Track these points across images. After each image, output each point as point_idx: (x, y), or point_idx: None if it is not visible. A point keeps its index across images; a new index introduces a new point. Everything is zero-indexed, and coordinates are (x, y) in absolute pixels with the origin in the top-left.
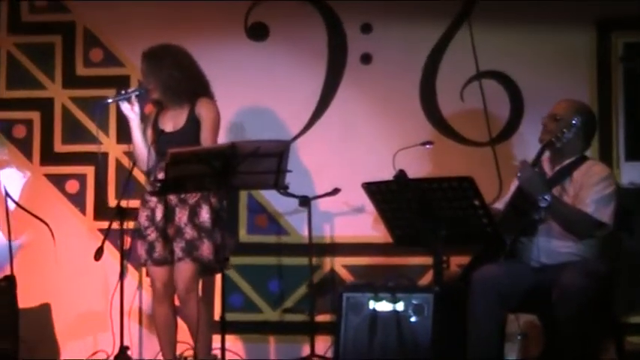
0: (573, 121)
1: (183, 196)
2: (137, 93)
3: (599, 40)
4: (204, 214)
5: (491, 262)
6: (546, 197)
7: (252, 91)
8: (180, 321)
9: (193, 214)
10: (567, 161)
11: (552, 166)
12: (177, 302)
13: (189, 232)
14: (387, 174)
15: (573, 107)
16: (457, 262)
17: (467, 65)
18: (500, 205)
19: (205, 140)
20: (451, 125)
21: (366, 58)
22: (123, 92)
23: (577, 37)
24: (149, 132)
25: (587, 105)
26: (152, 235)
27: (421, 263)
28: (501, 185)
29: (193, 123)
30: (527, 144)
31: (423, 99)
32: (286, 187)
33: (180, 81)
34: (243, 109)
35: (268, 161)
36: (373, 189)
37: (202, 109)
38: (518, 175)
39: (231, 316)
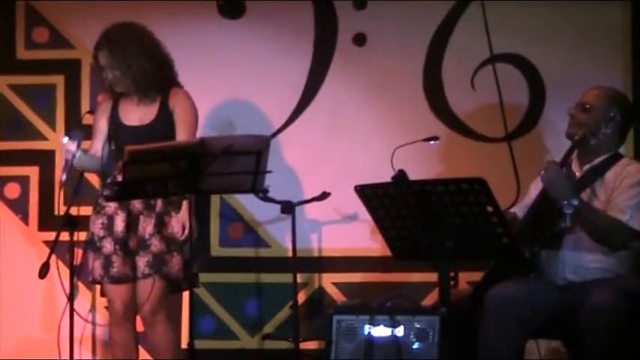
0: (611, 114)
1: (151, 202)
2: (77, 141)
3: (635, 17)
4: (174, 224)
5: (507, 279)
6: (573, 202)
7: (226, 78)
8: (141, 349)
9: (161, 223)
10: (598, 159)
11: (580, 165)
12: (139, 327)
13: (157, 245)
14: (384, 175)
15: (607, 95)
16: (467, 278)
17: (479, 47)
18: (518, 211)
19: (182, 138)
20: (460, 118)
21: (359, 39)
22: (70, 157)
23: (608, 14)
24: (102, 124)
25: (622, 93)
26: (109, 247)
27: (425, 280)
28: (519, 188)
29: (166, 116)
30: (549, 139)
31: (426, 87)
32: (266, 191)
33: (151, 73)
34: (216, 100)
35: (244, 160)
36: (368, 193)
37: (177, 101)
38: (542, 174)
39: (201, 344)
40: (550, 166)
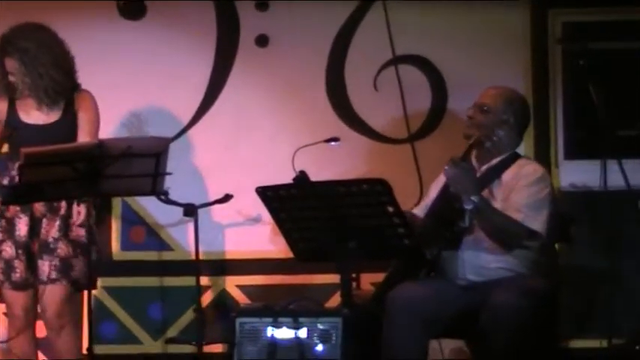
0: (507, 115)
1: (54, 204)
2: None
3: (535, 20)
4: (79, 227)
5: (409, 280)
6: (474, 198)
7: (132, 78)
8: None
9: (66, 226)
10: (496, 160)
11: (479, 166)
12: (40, 333)
13: (63, 249)
14: (288, 177)
15: (503, 96)
16: (370, 280)
17: (381, 49)
18: (418, 212)
19: (85, 140)
20: (363, 119)
21: (262, 40)
22: None
23: (509, 16)
24: None
25: (518, 92)
26: (9, 251)
27: (328, 282)
28: (422, 189)
29: (70, 118)
30: (452, 140)
31: (329, 88)
32: (166, 193)
33: (61, 82)
34: (125, 101)
35: (144, 162)
36: (269, 194)
37: (82, 104)
38: (446, 168)
39: (102, 349)
40: (453, 161)
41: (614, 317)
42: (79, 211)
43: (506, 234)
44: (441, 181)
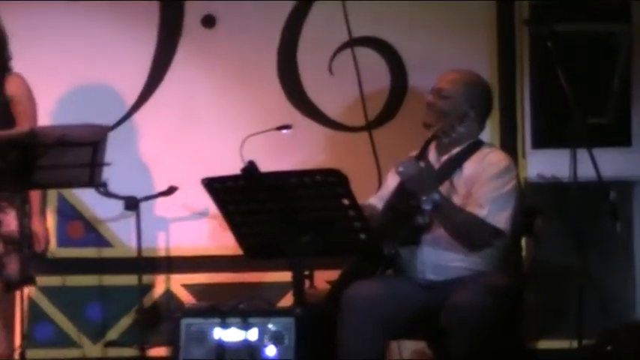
0: (469, 102)
1: None
2: None
3: (500, 1)
4: (11, 222)
5: (366, 277)
6: (434, 197)
7: (67, 62)
8: None
9: None
10: (457, 149)
11: (439, 156)
12: None
13: None
14: (235, 167)
15: (463, 80)
16: (325, 277)
17: (336, 30)
18: (376, 202)
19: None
20: (317, 105)
21: (208, 21)
22: None
23: None
24: None
25: (479, 76)
26: None
27: (280, 280)
28: (380, 180)
29: (3, 103)
30: (412, 128)
31: (281, 72)
32: (104, 185)
33: None
34: (65, 85)
35: (80, 152)
36: (216, 186)
37: (16, 89)
38: (400, 169)
39: (36, 353)
40: (407, 162)
41: (584, 316)
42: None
43: (468, 233)
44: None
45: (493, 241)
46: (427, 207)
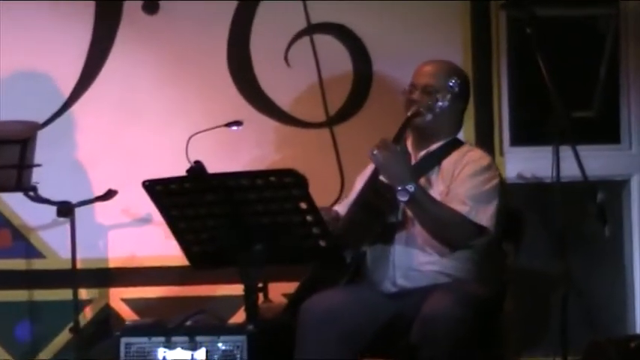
0: (450, 83)
1: None
2: None
3: None
4: None
5: (327, 288)
6: (409, 187)
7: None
8: None
9: None
10: (435, 145)
11: (416, 152)
12: None
13: None
14: (180, 168)
15: (445, 71)
16: (281, 290)
17: (293, 16)
18: (342, 209)
19: None
20: (272, 99)
21: (150, 7)
22: None
23: None
24: None
25: (458, 67)
26: None
27: (232, 294)
28: (343, 181)
29: None
30: (377, 125)
31: (232, 63)
32: (34, 189)
33: None
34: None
35: (6, 151)
36: (159, 189)
37: None
38: (374, 152)
39: None
40: (383, 144)
41: (569, 328)
42: None
43: (449, 229)
44: (368, 171)
45: (476, 239)
46: (402, 198)
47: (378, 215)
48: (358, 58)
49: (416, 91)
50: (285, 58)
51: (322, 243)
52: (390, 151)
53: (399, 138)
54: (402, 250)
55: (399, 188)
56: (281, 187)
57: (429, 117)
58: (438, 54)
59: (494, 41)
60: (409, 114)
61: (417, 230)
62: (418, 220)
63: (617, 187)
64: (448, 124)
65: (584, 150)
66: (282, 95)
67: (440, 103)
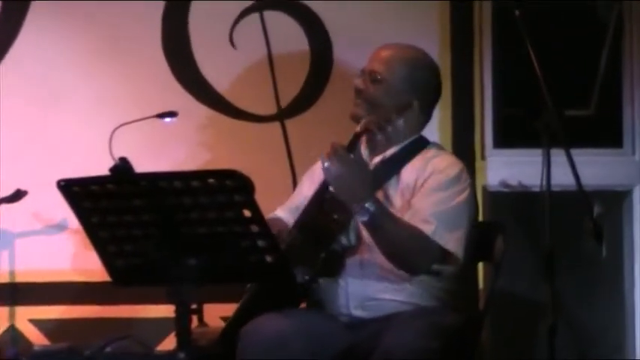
0: (404, 89)
1: None
2: None
3: None
4: None
5: (272, 311)
6: (369, 206)
7: None
8: None
9: None
10: (393, 150)
11: (370, 156)
12: None
13: None
14: (102, 166)
15: (402, 59)
16: (219, 312)
17: None
18: (285, 215)
19: None
20: (215, 88)
21: None
22: None
23: None
24: None
25: (422, 52)
26: None
27: (160, 316)
28: (295, 183)
29: None
30: (336, 120)
31: (167, 44)
32: None
33: None
34: None
35: None
36: (76, 190)
37: None
38: (326, 165)
39: None
40: (335, 152)
41: None
42: None
43: (410, 254)
44: (317, 172)
45: (441, 266)
46: (362, 219)
47: (324, 238)
48: (316, 41)
49: (362, 78)
50: (230, 39)
51: (269, 258)
52: (344, 161)
53: (352, 148)
54: (356, 277)
55: (356, 207)
56: (221, 191)
57: (379, 137)
58: (410, 40)
59: (476, 27)
60: (357, 130)
61: (375, 254)
62: (375, 241)
63: (617, 199)
64: (409, 124)
65: (580, 154)
66: (225, 82)
67: (394, 123)
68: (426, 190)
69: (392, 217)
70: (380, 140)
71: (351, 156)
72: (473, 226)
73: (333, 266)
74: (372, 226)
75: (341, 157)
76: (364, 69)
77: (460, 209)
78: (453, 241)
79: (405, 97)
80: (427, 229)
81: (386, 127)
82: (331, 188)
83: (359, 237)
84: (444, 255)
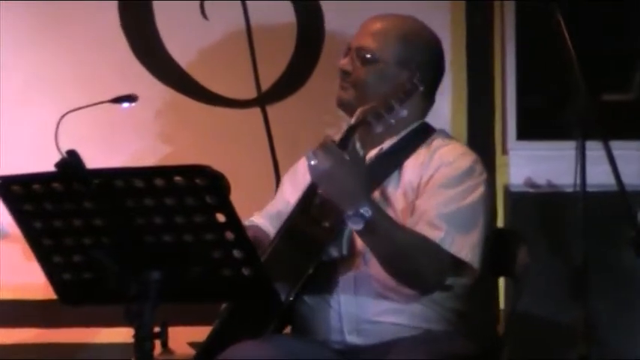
0: (408, 67)
1: None
2: None
3: None
4: None
5: (251, 337)
6: (363, 212)
7: None
8: None
9: None
10: (393, 140)
11: (364, 149)
12: None
13: None
14: (47, 161)
15: (396, 32)
16: (187, 336)
17: None
18: (264, 221)
19: None
20: (184, 68)
21: None
22: None
23: None
24: None
25: (420, 23)
26: None
27: (117, 341)
28: (278, 180)
29: None
30: (324, 105)
31: (125, 15)
32: None
33: None
34: None
35: None
36: (15, 190)
37: None
38: (313, 163)
39: None
40: (327, 147)
41: None
42: None
43: (416, 266)
44: (301, 173)
45: (454, 279)
46: (355, 227)
47: (312, 249)
48: (305, 14)
49: (350, 57)
50: (202, 8)
51: (246, 272)
52: (335, 159)
53: (344, 144)
54: (350, 296)
55: (349, 213)
56: (190, 191)
57: (378, 129)
58: (416, 14)
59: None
60: (352, 122)
61: (372, 268)
62: (374, 252)
63: None
64: (411, 110)
65: (620, 148)
66: (195, 61)
67: (395, 112)
68: (433, 188)
69: (392, 224)
70: (377, 131)
71: (344, 153)
72: (489, 232)
73: (323, 283)
74: (368, 235)
75: (331, 153)
76: (351, 45)
77: (474, 209)
78: (466, 248)
79: (402, 79)
80: (435, 235)
81: (387, 118)
82: (320, 190)
83: (352, 248)
84: (457, 265)
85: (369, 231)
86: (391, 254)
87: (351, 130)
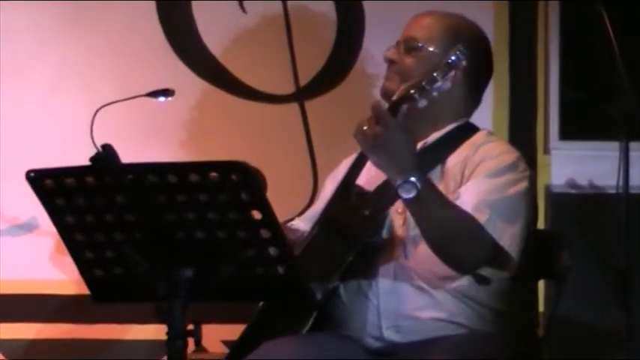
0: (454, 57)
1: None
2: None
3: None
4: None
5: (285, 335)
6: (415, 180)
7: None
8: None
9: None
10: (437, 135)
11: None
12: None
13: None
14: (82, 154)
15: (447, 26)
16: (221, 334)
17: None
18: (304, 225)
19: None
20: (222, 63)
21: None
22: None
23: None
24: None
25: (470, 21)
26: None
27: (149, 338)
28: (316, 177)
29: None
30: (366, 101)
31: (162, 9)
32: None
33: None
34: None
35: None
36: (48, 184)
37: None
38: (364, 128)
39: None
40: (378, 115)
41: None
42: None
43: (461, 243)
44: (342, 173)
45: (493, 269)
46: (406, 195)
47: (351, 237)
48: (346, 11)
49: (397, 48)
50: (240, 2)
51: (281, 270)
52: (388, 125)
53: (396, 110)
54: (389, 289)
55: (400, 181)
56: (225, 187)
57: (422, 103)
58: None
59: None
60: (394, 98)
61: (412, 259)
62: (421, 227)
63: None
64: (456, 104)
65: None
66: (233, 55)
67: (439, 84)
68: (477, 178)
69: (440, 196)
70: (425, 114)
71: (396, 120)
72: (531, 229)
73: (362, 274)
74: (417, 205)
75: (383, 117)
76: (401, 39)
77: (517, 201)
78: (506, 236)
79: (446, 63)
80: (479, 217)
81: (430, 90)
82: (370, 159)
83: (392, 237)
84: (495, 253)
85: (419, 201)
86: (437, 228)
87: (395, 105)
